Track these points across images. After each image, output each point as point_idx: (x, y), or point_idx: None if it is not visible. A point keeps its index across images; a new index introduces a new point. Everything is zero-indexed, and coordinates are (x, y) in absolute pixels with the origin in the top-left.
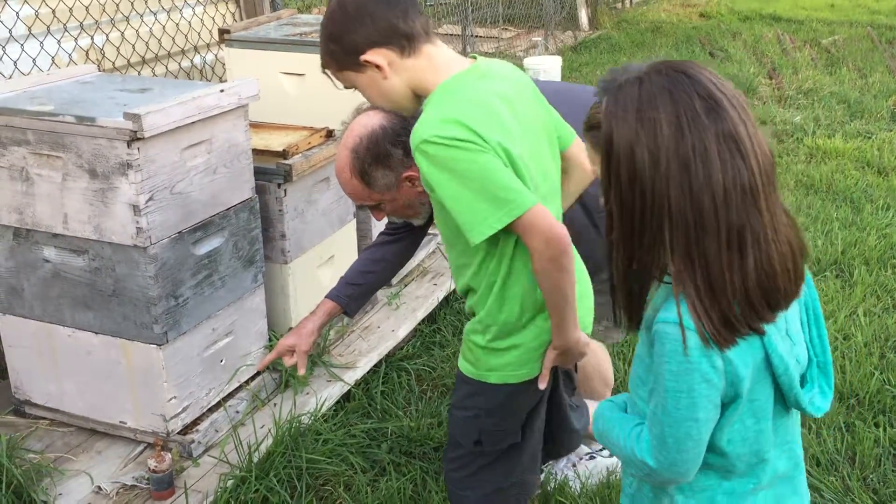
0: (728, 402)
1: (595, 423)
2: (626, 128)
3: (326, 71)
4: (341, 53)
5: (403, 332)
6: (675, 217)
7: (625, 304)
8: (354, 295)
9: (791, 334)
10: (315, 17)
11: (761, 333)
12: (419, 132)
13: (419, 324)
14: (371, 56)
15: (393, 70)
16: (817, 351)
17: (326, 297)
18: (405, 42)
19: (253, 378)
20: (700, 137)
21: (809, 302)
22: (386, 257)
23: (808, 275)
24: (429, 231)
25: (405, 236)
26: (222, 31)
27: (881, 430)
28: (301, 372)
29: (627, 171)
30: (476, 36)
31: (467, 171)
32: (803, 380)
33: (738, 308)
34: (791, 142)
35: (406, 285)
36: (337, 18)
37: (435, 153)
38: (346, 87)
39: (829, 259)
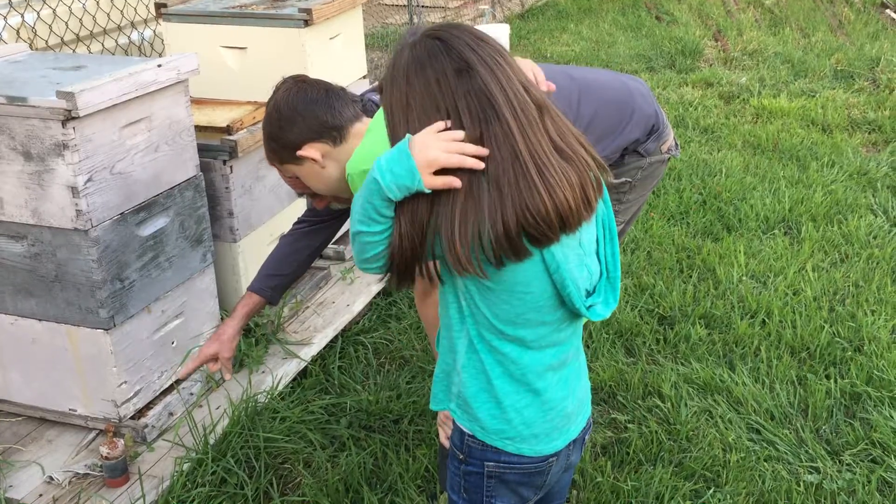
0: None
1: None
2: (397, 92)
3: (273, 165)
4: (280, 150)
5: (359, 306)
6: None
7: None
8: (278, 286)
9: (584, 244)
10: None
11: (521, 259)
12: (349, 164)
13: (374, 297)
14: (306, 151)
15: (328, 159)
16: (609, 266)
17: (249, 290)
18: (336, 133)
19: None
20: (451, 98)
21: (606, 220)
22: (307, 245)
23: (605, 194)
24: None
25: (324, 225)
26: (159, 6)
27: (832, 381)
28: (227, 377)
29: (402, 127)
30: (422, 6)
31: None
32: (594, 290)
33: (489, 240)
34: (737, 103)
35: None
36: (273, 120)
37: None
38: (290, 177)
39: (777, 217)
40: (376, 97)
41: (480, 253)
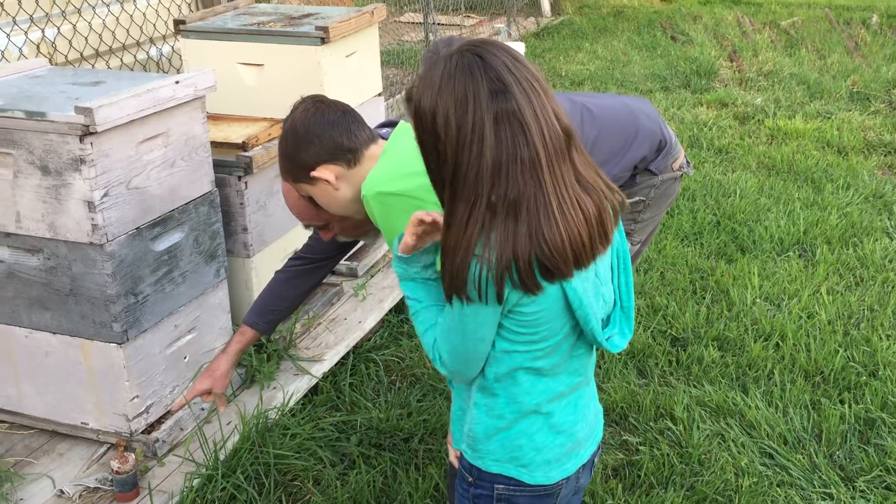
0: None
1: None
2: (428, 101)
3: (287, 181)
4: (295, 169)
5: (371, 323)
6: (451, 181)
7: None
8: (273, 321)
9: (599, 274)
10: (273, 7)
11: (533, 294)
12: (367, 185)
13: (386, 314)
14: (320, 172)
15: (342, 181)
16: (623, 296)
17: (245, 323)
18: (350, 156)
19: None
20: (480, 116)
21: (620, 250)
22: (304, 283)
23: (620, 225)
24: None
25: (322, 264)
26: (178, 22)
27: (846, 406)
28: (221, 410)
29: (429, 137)
30: (438, 24)
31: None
32: (608, 319)
33: (487, 272)
34: (752, 123)
35: (372, 276)
36: (290, 139)
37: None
38: (304, 196)
39: (791, 239)
40: (384, 131)
41: (486, 280)
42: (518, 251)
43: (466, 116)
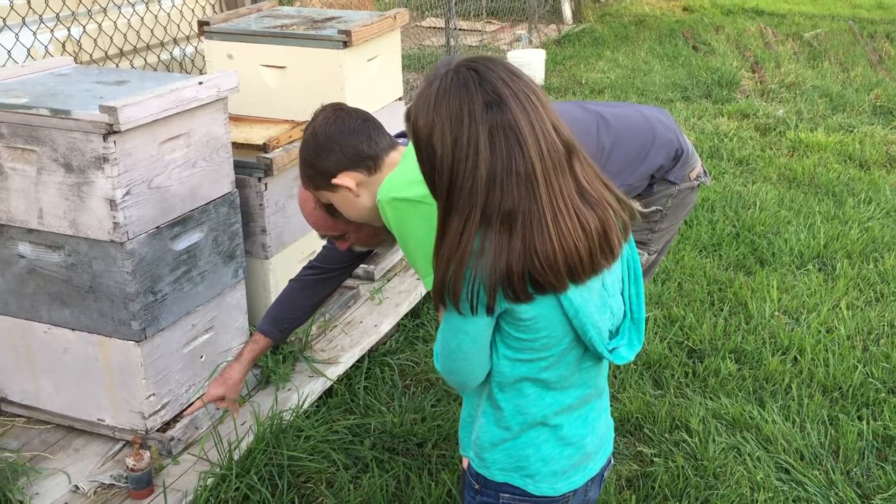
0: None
1: None
2: (424, 119)
3: (308, 189)
4: (316, 177)
5: (386, 327)
6: (447, 193)
7: None
8: (286, 330)
9: (607, 286)
10: (296, 10)
11: (523, 302)
12: (382, 190)
13: (402, 319)
14: (341, 179)
15: (362, 188)
16: (633, 307)
17: (259, 330)
18: (371, 163)
19: None
20: (476, 130)
21: (631, 261)
22: (317, 293)
23: (631, 237)
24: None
25: (336, 274)
26: (202, 23)
27: (864, 423)
28: (235, 415)
29: (426, 155)
30: (460, 29)
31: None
32: (617, 331)
33: (491, 282)
34: (774, 135)
35: (389, 280)
36: (310, 147)
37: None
38: (323, 203)
39: (811, 252)
40: (404, 140)
41: (478, 292)
42: (511, 264)
43: (462, 129)
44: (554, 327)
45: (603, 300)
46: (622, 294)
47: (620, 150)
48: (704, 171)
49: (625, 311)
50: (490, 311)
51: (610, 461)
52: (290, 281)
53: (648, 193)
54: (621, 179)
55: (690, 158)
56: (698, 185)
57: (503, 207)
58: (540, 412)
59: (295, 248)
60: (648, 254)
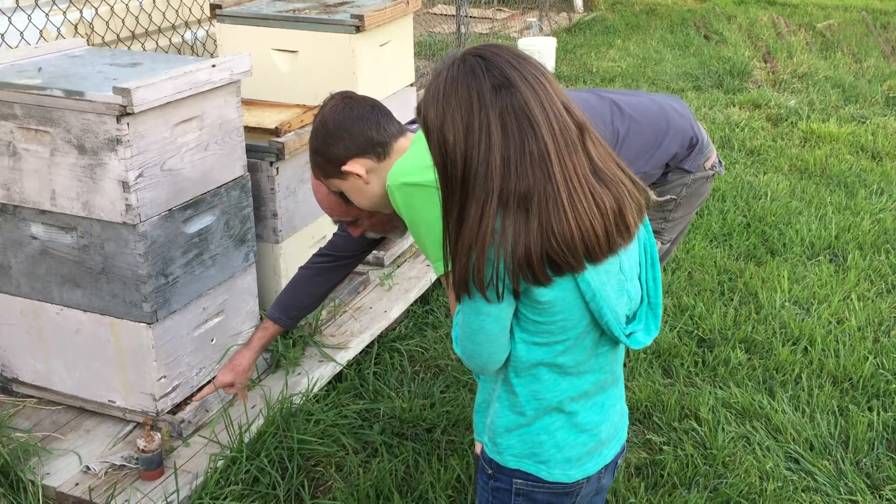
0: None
1: None
2: (434, 111)
3: (318, 178)
4: (326, 164)
5: (396, 312)
6: (461, 182)
7: None
8: (296, 317)
9: (624, 269)
10: None
11: (542, 285)
12: (393, 175)
13: (412, 305)
14: (351, 166)
15: (372, 174)
16: (650, 292)
17: (268, 317)
18: (380, 149)
19: None
20: (486, 115)
21: (647, 245)
22: (327, 280)
23: (646, 220)
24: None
25: (346, 262)
26: (214, 7)
27: (875, 414)
28: (245, 402)
29: (438, 147)
30: (470, 17)
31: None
32: (634, 315)
33: (505, 266)
34: (785, 126)
35: (399, 266)
36: (320, 134)
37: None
38: (334, 191)
39: (822, 243)
40: (415, 127)
41: (503, 277)
42: (530, 246)
43: (472, 116)
44: (571, 310)
45: (620, 284)
46: (639, 279)
47: (635, 138)
48: (719, 161)
49: (642, 295)
50: (515, 294)
51: (623, 449)
52: (301, 268)
53: (663, 182)
54: (636, 167)
55: (706, 148)
56: (713, 174)
57: (519, 190)
58: (555, 398)
59: (306, 233)
60: (662, 243)
